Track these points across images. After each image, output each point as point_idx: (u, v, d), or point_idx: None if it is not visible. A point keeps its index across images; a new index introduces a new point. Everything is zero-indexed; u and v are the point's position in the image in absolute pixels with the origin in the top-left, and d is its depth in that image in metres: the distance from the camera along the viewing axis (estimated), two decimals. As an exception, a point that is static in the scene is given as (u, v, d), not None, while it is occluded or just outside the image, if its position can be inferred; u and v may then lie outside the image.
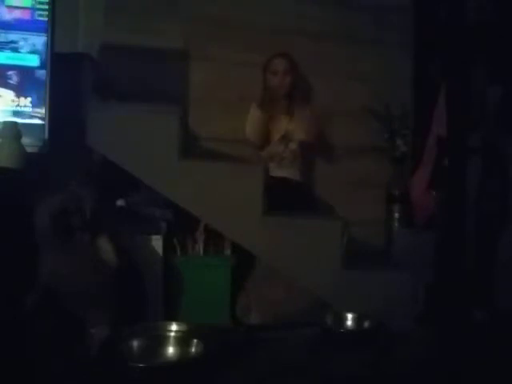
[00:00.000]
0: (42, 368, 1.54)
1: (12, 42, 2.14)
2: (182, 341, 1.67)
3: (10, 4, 2.12)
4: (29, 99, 2.16)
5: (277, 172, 2.62)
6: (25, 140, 2.03)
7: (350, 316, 2.10)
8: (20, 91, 2.15)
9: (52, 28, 2.15)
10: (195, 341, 1.64)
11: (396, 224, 2.77)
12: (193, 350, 1.63)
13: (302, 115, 2.68)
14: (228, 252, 2.40)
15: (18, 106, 2.16)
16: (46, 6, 2.12)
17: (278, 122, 2.62)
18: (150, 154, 2.17)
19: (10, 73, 2.14)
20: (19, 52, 2.15)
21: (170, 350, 1.66)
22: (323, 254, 2.20)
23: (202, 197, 2.18)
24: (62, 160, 2.12)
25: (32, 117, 2.15)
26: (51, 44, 2.15)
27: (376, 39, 2.84)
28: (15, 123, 2.03)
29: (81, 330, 1.77)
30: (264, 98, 2.66)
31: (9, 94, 2.16)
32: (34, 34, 2.14)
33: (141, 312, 2.10)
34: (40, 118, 2.14)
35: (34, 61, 2.15)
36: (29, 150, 2.04)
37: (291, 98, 2.66)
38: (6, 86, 2.15)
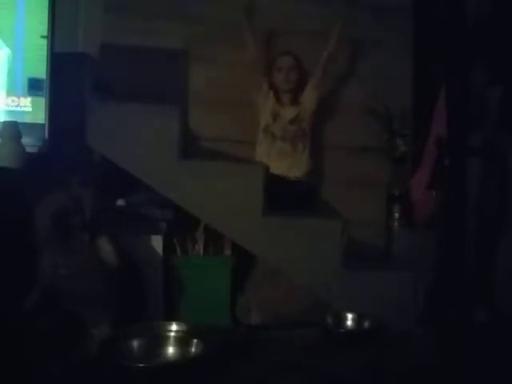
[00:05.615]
0: (42, 368, 1.54)
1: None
2: (182, 341, 1.68)
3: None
4: (29, 99, 2.16)
5: (278, 171, 2.62)
6: (25, 140, 2.03)
7: (350, 316, 2.11)
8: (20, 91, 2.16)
9: (52, 28, 2.16)
10: (195, 341, 1.64)
11: (396, 224, 2.76)
12: (193, 350, 1.63)
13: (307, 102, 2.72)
14: (228, 252, 2.40)
15: (17, 106, 2.16)
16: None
17: (285, 109, 2.65)
18: (149, 154, 2.17)
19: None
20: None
21: (170, 350, 1.67)
22: (323, 254, 2.20)
23: (202, 197, 2.18)
24: (61, 160, 2.12)
25: (32, 117, 2.15)
26: (51, 44, 2.16)
27: (376, 39, 2.83)
28: (15, 123, 2.04)
29: (81, 330, 1.77)
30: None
31: (9, 94, 2.16)
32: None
33: (141, 312, 2.10)
34: (40, 118, 2.14)
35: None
36: (29, 149, 2.05)
37: (297, 92, 2.69)
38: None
